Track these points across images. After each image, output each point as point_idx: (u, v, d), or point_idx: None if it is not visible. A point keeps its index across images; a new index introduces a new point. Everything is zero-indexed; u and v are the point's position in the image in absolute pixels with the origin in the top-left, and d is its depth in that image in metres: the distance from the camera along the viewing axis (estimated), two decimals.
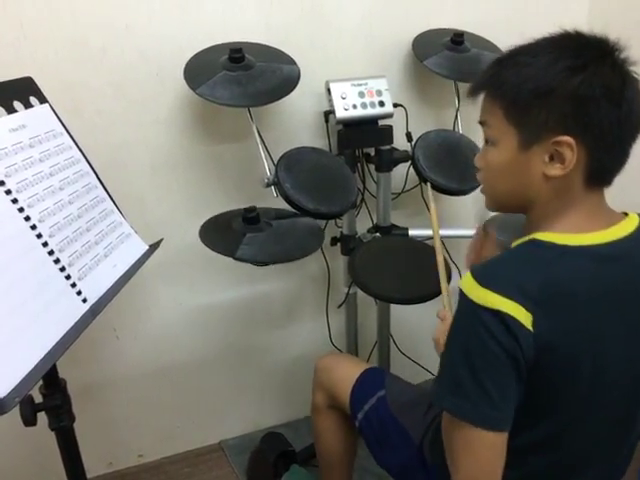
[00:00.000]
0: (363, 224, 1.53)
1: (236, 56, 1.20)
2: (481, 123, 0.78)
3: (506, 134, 0.73)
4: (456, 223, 1.66)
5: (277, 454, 1.44)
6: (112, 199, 1.04)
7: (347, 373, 1.13)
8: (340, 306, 1.55)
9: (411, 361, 1.77)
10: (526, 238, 0.74)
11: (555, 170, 0.70)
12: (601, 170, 0.72)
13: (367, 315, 1.68)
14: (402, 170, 1.50)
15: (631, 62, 0.69)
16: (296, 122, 1.45)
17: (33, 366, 0.71)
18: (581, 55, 0.68)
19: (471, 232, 1.47)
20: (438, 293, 1.17)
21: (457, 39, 1.43)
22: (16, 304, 0.73)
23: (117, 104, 1.30)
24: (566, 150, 0.68)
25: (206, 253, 1.49)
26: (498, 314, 0.67)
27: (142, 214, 1.38)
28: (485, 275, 0.70)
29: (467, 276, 0.72)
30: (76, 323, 0.81)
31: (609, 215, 0.76)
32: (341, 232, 1.47)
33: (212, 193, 1.46)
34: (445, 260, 1.20)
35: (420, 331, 1.81)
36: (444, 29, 1.49)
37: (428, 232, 1.50)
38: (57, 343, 0.76)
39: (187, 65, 1.21)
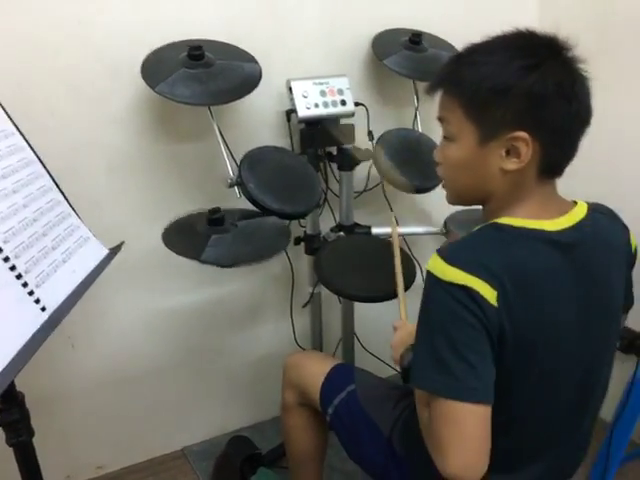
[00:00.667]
0: (326, 223, 1.52)
1: (195, 53, 1.17)
2: (440, 119, 0.80)
3: (465, 130, 0.75)
4: (418, 221, 1.68)
5: (243, 458, 1.42)
6: (68, 202, 1.00)
7: (316, 369, 1.13)
8: (305, 306, 1.54)
9: (375, 358, 1.78)
10: (487, 223, 0.77)
11: (511, 164, 0.73)
12: (553, 163, 0.76)
13: (330, 314, 1.68)
14: (363, 169, 1.51)
15: (580, 60, 0.73)
16: (256, 121, 1.44)
17: None
18: (534, 54, 0.71)
19: (433, 229, 1.50)
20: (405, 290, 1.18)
21: (415, 39, 1.45)
22: None
23: (70, 104, 1.25)
24: (522, 145, 0.72)
25: (166, 256, 1.45)
26: (466, 289, 0.69)
27: (99, 218, 1.31)
28: (452, 254, 0.73)
29: (433, 258, 0.74)
30: (35, 333, 0.77)
31: (560, 204, 0.80)
32: (305, 232, 1.46)
33: (172, 194, 1.42)
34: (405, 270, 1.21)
35: (383, 328, 1.82)
36: (402, 29, 1.50)
37: (389, 230, 1.52)
38: (16, 356, 0.71)
39: (144, 62, 1.18)
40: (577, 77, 0.72)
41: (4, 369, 0.69)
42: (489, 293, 0.69)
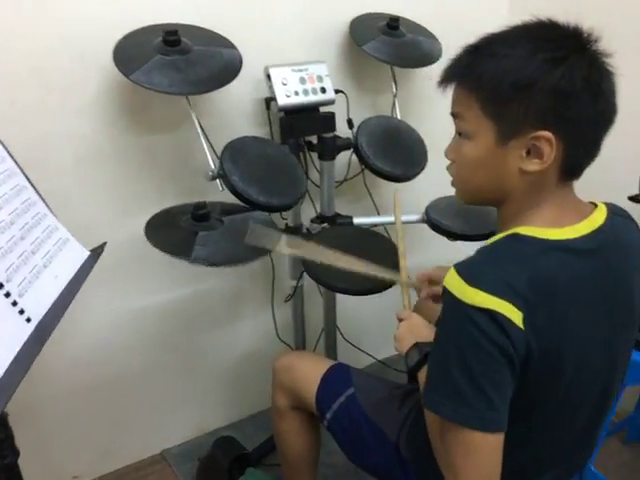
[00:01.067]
0: (306, 214, 1.49)
1: (171, 39, 1.10)
2: (453, 115, 0.76)
3: (483, 128, 0.71)
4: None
5: (231, 459, 1.38)
6: (44, 201, 0.92)
7: (310, 372, 1.09)
8: (288, 300, 1.50)
9: (356, 348, 1.77)
10: (506, 233, 0.73)
11: (532, 165, 0.69)
12: (575, 164, 0.72)
13: (311, 306, 1.64)
14: (343, 158, 1.47)
15: (606, 54, 0.69)
16: (233, 109, 1.37)
17: None
18: (561, 47, 0.67)
19: (414, 218, 1.48)
20: (393, 283, 1.16)
21: (393, 24, 1.42)
22: None
23: (35, 92, 1.16)
24: (545, 145, 0.68)
25: (140, 253, 1.39)
26: (490, 313, 0.65)
27: (67, 214, 1.21)
28: (473, 274, 0.68)
29: (452, 275, 0.70)
30: (22, 348, 0.70)
31: (580, 207, 0.76)
32: (286, 224, 1.42)
33: (144, 188, 1.35)
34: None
35: (362, 318, 1.82)
36: (379, 13, 1.47)
37: (372, 220, 1.50)
38: (4, 376, 0.65)
39: (116, 48, 1.10)
40: (604, 72, 0.68)
41: None
42: (515, 315, 0.65)
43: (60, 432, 1.45)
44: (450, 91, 0.76)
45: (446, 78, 0.75)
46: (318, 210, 1.48)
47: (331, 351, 1.60)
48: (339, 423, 1.02)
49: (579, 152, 0.70)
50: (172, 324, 1.52)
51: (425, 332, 0.88)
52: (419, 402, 0.95)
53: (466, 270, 0.69)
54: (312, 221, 1.45)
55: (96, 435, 1.51)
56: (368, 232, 1.36)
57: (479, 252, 0.74)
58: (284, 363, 1.14)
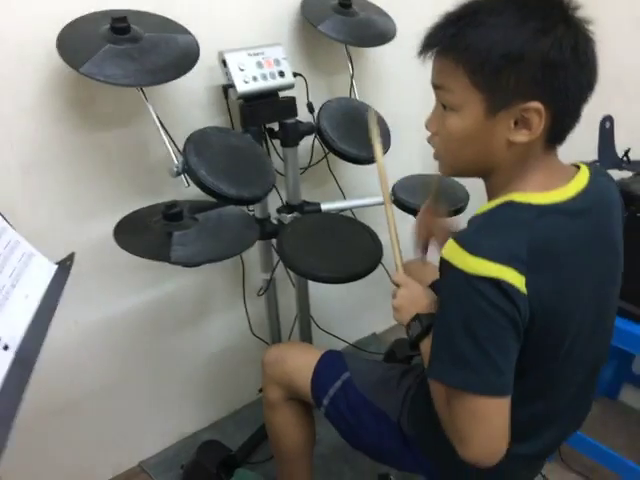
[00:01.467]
0: (272, 203, 1.44)
1: (120, 26, 1.01)
2: (436, 86, 0.74)
3: (471, 100, 0.70)
4: (366, 192, 1.65)
5: (218, 462, 1.33)
6: (0, 214, 0.83)
7: (302, 361, 1.07)
8: (262, 293, 1.45)
9: (330, 335, 1.75)
10: (499, 201, 0.73)
11: (521, 136, 0.70)
12: (561, 131, 0.72)
13: (281, 298, 1.61)
14: (305, 143, 1.43)
15: (588, 21, 0.69)
16: (187, 99, 1.30)
17: None
18: (548, 16, 0.66)
19: (379, 199, 1.47)
20: (374, 268, 1.15)
21: (345, 2, 1.38)
22: None
23: None
24: (534, 116, 0.67)
25: (98, 261, 1.31)
26: (494, 281, 0.66)
27: (15, 224, 1.13)
28: (473, 243, 0.68)
29: (452, 246, 0.70)
30: (6, 378, 0.63)
31: (564, 170, 0.77)
32: (254, 216, 1.36)
33: (99, 189, 1.26)
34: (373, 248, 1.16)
35: (331, 303, 1.80)
36: None
37: (340, 204, 1.47)
38: None
39: (60, 39, 1.00)
40: (588, 40, 0.68)
41: None
42: (518, 280, 0.66)
43: (31, 457, 1.34)
44: (425, 62, 0.74)
45: (427, 48, 0.73)
46: (284, 199, 1.43)
47: (306, 340, 1.58)
48: (337, 408, 1.00)
49: (565, 120, 0.71)
50: (140, 329, 1.44)
51: (425, 302, 0.87)
52: (417, 379, 0.96)
53: (466, 240, 0.69)
54: (279, 211, 1.41)
55: (70, 456, 1.42)
56: (340, 217, 1.33)
57: (474, 222, 0.74)
58: (273, 355, 1.11)
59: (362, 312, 1.93)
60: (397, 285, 0.91)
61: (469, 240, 0.69)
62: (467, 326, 0.67)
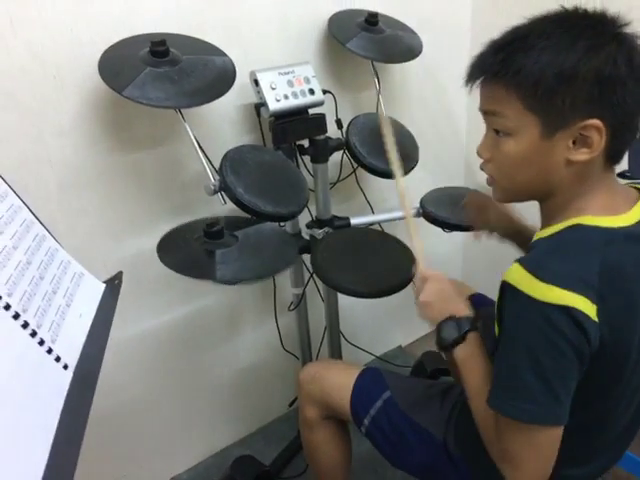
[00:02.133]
0: (301, 219, 1.45)
1: (160, 49, 1.04)
2: (487, 112, 0.74)
3: (526, 123, 0.70)
4: (394, 205, 1.65)
5: (253, 478, 1.33)
6: (50, 233, 0.85)
7: (341, 380, 1.06)
8: (294, 308, 1.46)
9: (357, 349, 1.75)
10: (565, 224, 0.72)
11: (580, 155, 0.69)
12: (620, 149, 0.72)
13: (310, 311, 1.61)
14: (333, 158, 1.44)
15: (638, 36, 0.69)
16: (219, 118, 1.32)
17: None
18: (598, 34, 0.66)
19: (401, 214, 1.47)
20: (407, 283, 1.15)
21: (372, 19, 1.40)
22: (1, 391, 0.55)
23: (8, 116, 1.07)
24: (594, 134, 0.67)
25: (131, 277, 1.31)
26: (566, 310, 0.64)
27: None
28: (543, 269, 0.67)
29: (518, 271, 0.68)
30: (68, 398, 0.64)
31: (625, 192, 0.76)
32: (284, 231, 1.37)
33: (133, 209, 1.28)
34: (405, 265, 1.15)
35: (357, 316, 1.80)
36: (355, 10, 1.45)
37: (369, 219, 1.48)
38: (59, 434, 0.59)
39: (101, 63, 1.03)
40: None
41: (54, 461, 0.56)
42: (590, 309, 0.65)
43: None
44: (473, 90, 0.75)
45: (475, 75, 0.73)
46: (314, 214, 1.44)
47: (336, 354, 1.58)
48: (379, 428, 1.00)
49: (625, 136, 0.70)
50: (172, 346, 1.45)
51: (457, 300, 0.85)
52: (462, 397, 0.95)
53: (534, 265, 0.68)
54: (309, 226, 1.42)
55: (101, 470, 1.42)
56: (372, 232, 1.34)
57: (540, 245, 0.73)
58: (310, 374, 1.11)
59: (388, 324, 1.93)
60: (422, 279, 0.87)
61: (537, 265, 0.67)
62: (533, 356, 0.66)
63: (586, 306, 0.65)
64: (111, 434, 1.41)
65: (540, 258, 0.70)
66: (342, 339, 1.65)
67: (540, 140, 0.70)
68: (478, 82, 0.74)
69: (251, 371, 1.61)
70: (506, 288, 0.70)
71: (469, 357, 0.80)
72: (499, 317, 0.73)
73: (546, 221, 0.77)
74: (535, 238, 0.76)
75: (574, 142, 0.69)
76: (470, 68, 0.74)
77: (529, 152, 0.71)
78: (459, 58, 1.65)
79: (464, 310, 0.83)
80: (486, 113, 0.74)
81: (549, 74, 0.66)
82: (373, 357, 1.87)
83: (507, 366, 0.70)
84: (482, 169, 0.79)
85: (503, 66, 0.69)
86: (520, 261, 0.69)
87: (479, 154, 0.78)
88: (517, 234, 1.03)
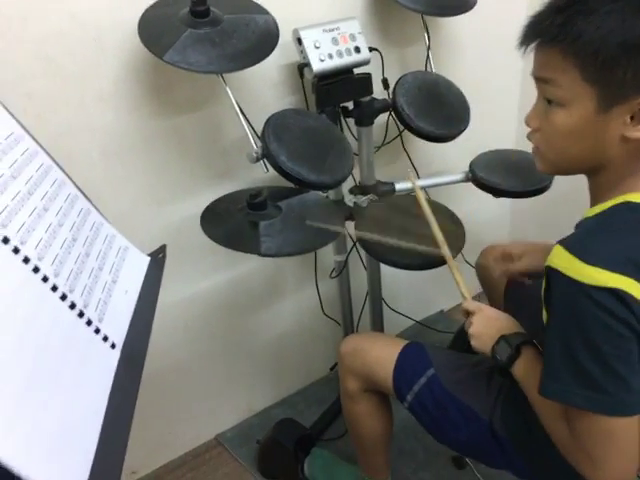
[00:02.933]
0: (344, 184, 1.40)
1: (200, 9, 0.99)
2: (540, 79, 0.69)
3: (581, 94, 0.65)
4: (440, 169, 1.60)
5: (295, 441, 1.36)
6: (95, 207, 0.84)
7: (383, 354, 1.04)
8: (336, 276, 1.44)
9: (399, 314, 1.73)
10: (613, 201, 0.68)
11: (638, 132, 0.64)
12: None
13: (353, 278, 1.59)
14: (378, 120, 1.38)
15: None
16: (260, 78, 1.27)
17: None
18: None
19: (458, 177, 1.41)
20: (457, 252, 1.11)
21: None
22: (53, 374, 0.55)
23: (50, 83, 1.05)
24: None
25: (175, 244, 1.32)
26: (614, 291, 0.61)
27: (101, 211, 1.16)
28: (588, 250, 0.64)
29: (561, 253, 0.65)
30: (116, 379, 0.64)
31: None
32: (327, 197, 1.34)
33: (175, 174, 1.26)
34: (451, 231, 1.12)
35: (398, 281, 1.77)
36: None
37: (416, 183, 1.42)
38: (111, 418, 0.59)
39: (140, 26, 0.99)
40: None
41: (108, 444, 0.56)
42: (637, 290, 0.61)
43: None
44: (528, 52, 0.69)
45: (530, 38, 0.68)
46: (357, 179, 1.40)
47: (377, 321, 1.57)
48: (422, 405, 0.98)
49: None
50: (216, 310, 1.46)
51: (505, 323, 0.84)
52: (506, 381, 0.92)
53: (579, 247, 0.64)
54: (352, 191, 1.38)
55: (150, 429, 1.48)
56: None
57: (585, 225, 0.70)
58: (352, 346, 1.10)
59: (430, 288, 1.89)
60: (468, 313, 0.88)
61: (582, 247, 0.64)
62: (588, 341, 0.63)
63: (635, 289, 0.62)
64: (158, 394, 1.44)
65: (584, 239, 0.67)
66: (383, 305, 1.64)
67: (595, 114, 0.65)
68: (532, 45, 0.68)
69: (292, 335, 1.62)
70: (550, 273, 0.67)
71: (529, 370, 0.77)
72: (546, 302, 0.70)
73: (594, 199, 0.73)
74: (583, 217, 0.72)
75: (632, 118, 0.64)
76: (525, 29, 0.69)
77: (581, 125, 0.66)
78: (515, 11, 1.54)
79: (512, 327, 0.82)
80: (539, 80, 0.69)
81: (612, 42, 0.60)
82: (412, 322, 1.85)
83: (564, 354, 0.67)
84: (529, 138, 0.75)
85: (561, 30, 0.63)
86: (563, 243, 0.66)
87: (527, 123, 0.73)
88: None
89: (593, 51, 0.62)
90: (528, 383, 0.77)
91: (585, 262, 0.63)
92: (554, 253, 0.67)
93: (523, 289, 1.07)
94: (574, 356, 0.65)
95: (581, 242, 0.66)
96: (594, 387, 0.64)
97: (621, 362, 0.63)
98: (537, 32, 0.67)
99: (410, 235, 1.01)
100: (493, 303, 1.19)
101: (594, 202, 0.74)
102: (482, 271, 1.21)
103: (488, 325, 0.85)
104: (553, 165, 0.75)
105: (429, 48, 1.39)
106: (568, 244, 0.66)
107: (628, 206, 0.67)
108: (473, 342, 0.86)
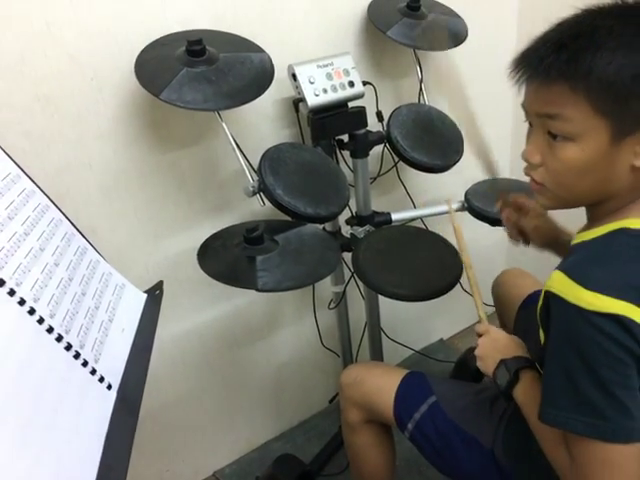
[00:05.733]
0: (341, 215, 1.41)
1: (196, 48, 1.01)
2: (545, 115, 0.68)
3: (594, 127, 0.64)
4: (435, 199, 1.61)
5: (295, 478, 1.33)
6: (91, 244, 0.84)
7: (383, 383, 1.04)
8: (334, 307, 1.44)
9: (393, 342, 1.72)
10: (610, 228, 0.69)
11: None
12: None
13: (350, 308, 1.59)
14: (373, 152, 1.39)
15: None
16: (256, 113, 1.28)
17: None
18: None
19: (454, 206, 1.42)
20: (455, 284, 1.10)
21: (413, 4, 1.33)
22: (48, 420, 0.54)
23: (48, 121, 1.06)
24: None
25: (173, 276, 1.33)
26: (615, 317, 0.61)
27: (96, 246, 1.16)
28: (588, 276, 0.64)
29: (560, 278, 0.65)
30: (112, 422, 0.63)
31: None
32: (324, 228, 1.34)
33: (173, 208, 1.27)
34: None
35: (396, 310, 1.76)
36: None
37: (411, 214, 1.43)
38: (103, 458, 0.58)
39: (138, 65, 1.00)
40: None
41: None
42: (638, 316, 0.61)
43: None
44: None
45: (532, 75, 0.67)
46: (353, 209, 1.40)
47: (377, 352, 1.55)
48: (423, 434, 0.97)
49: None
50: (212, 342, 1.45)
51: (507, 346, 0.84)
52: (508, 408, 0.92)
53: (578, 272, 0.64)
54: (348, 222, 1.39)
55: (147, 467, 1.45)
56: (415, 230, 1.29)
57: (581, 250, 0.70)
58: (352, 376, 1.09)
59: (429, 317, 1.89)
60: (479, 335, 0.89)
61: (582, 272, 0.64)
62: (588, 367, 0.63)
63: (635, 313, 0.61)
64: (154, 430, 1.42)
65: (584, 264, 0.66)
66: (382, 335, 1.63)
67: (608, 146, 0.65)
68: (534, 82, 0.68)
69: (291, 367, 1.61)
70: (550, 297, 0.67)
71: (529, 396, 0.76)
72: (543, 325, 0.70)
73: (591, 222, 0.74)
74: (576, 240, 0.73)
75: None
76: (522, 66, 0.68)
77: (594, 159, 0.66)
78: (505, 43, 1.57)
79: (514, 351, 0.82)
80: (542, 116, 0.68)
81: (625, 76, 0.61)
82: (412, 352, 1.83)
83: (563, 380, 0.66)
84: (527, 174, 0.73)
85: (570, 67, 0.63)
86: (562, 268, 0.66)
87: (526, 159, 0.72)
88: (559, 245, 0.99)
89: (606, 86, 0.62)
90: (528, 408, 0.76)
91: (585, 288, 0.62)
92: (554, 278, 0.67)
93: (534, 312, 1.07)
94: (574, 382, 0.65)
95: (581, 267, 0.66)
96: (594, 413, 0.64)
97: (621, 388, 0.63)
98: (541, 69, 0.66)
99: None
100: (504, 324, 1.19)
101: (590, 225, 0.74)
102: (498, 290, 1.22)
103: (493, 347, 0.85)
104: (560, 201, 0.73)
105: (422, 81, 1.41)
106: (568, 269, 0.66)
107: (627, 232, 0.67)
108: (478, 363, 0.86)
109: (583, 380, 0.64)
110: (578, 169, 0.67)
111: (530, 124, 0.73)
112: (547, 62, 0.65)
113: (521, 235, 1.04)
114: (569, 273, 0.65)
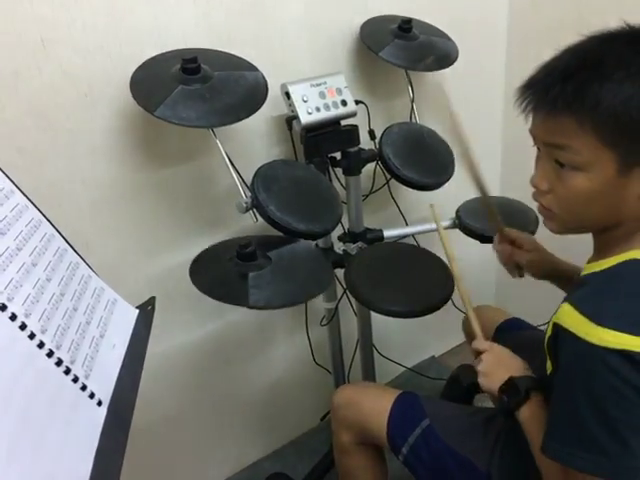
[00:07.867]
0: (333, 231, 1.42)
1: (191, 66, 1.02)
2: (553, 146, 0.68)
3: (601, 158, 0.64)
4: (427, 216, 1.61)
5: None
6: (84, 260, 0.84)
7: (376, 405, 1.03)
8: (327, 324, 1.44)
9: (389, 361, 1.72)
10: (621, 258, 0.68)
11: None
12: None
13: (342, 325, 1.59)
14: (366, 169, 1.41)
15: None
16: (249, 130, 1.30)
17: None
18: None
19: (445, 223, 1.43)
20: (447, 300, 1.11)
21: (405, 26, 1.36)
22: (37, 437, 0.54)
23: (41, 137, 1.06)
24: None
25: (165, 293, 1.32)
26: (625, 354, 0.60)
27: (89, 261, 1.16)
28: (598, 311, 0.63)
29: (570, 313, 0.65)
30: (102, 438, 0.62)
31: None
32: (316, 245, 1.35)
33: (164, 224, 1.27)
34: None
35: (388, 328, 1.76)
36: (388, 16, 1.41)
37: (403, 231, 1.44)
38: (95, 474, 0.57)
39: (133, 82, 1.01)
40: None
41: None
42: None
43: None
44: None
45: (538, 106, 0.67)
46: (346, 226, 1.41)
47: (369, 369, 1.55)
48: (418, 457, 0.96)
49: None
50: (203, 360, 1.44)
51: (515, 364, 0.83)
52: (506, 427, 0.91)
53: (589, 307, 0.64)
54: (341, 239, 1.39)
55: None
56: (407, 247, 1.30)
57: (591, 282, 0.69)
58: (345, 398, 1.08)
59: (421, 334, 1.89)
60: (479, 352, 0.88)
61: (592, 307, 0.64)
62: (596, 404, 0.62)
63: None
64: (143, 448, 1.39)
65: (593, 298, 0.66)
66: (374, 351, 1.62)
67: (616, 176, 0.65)
68: (541, 112, 0.68)
69: (282, 385, 1.60)
70: (560, 331, 0.66)
71: (535, 418, 0.76)
72: (551, 355, 0.70)
73: (599, 253, 0.73)
74: (585, 271, 0.72)
75: None
76: (528, 94, 0.68)
77: (602, 188, 0.66)
78: (494, 65, 1.60)
79: (522, 370, 0.82)
80: (549, 146, 0.69)
81: (633, 107, 0.61)
82: (404, 369, 1.83)
83: (569, 416, 0.66)
84: (536, 199, 0.74)
85: (576, 98, 0.63)
86: (572, 302, 0.65)
87: (534, 185, 0.72)
88: (556, 274, 1.00)
89: (614, 118, 0.61)
90: (533, 435, 0.75)
91: (596, 323, 0.62)
92: (563, 311, 0.66)
93: (510, 338, 1.07)
94: (580, 418, 0.64)
95: (591, 302, 0.65)
96: (598, 451, 0.63)
97: (627, 426, 0.62)
98: (547, 100, 0.65)
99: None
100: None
101: (599, 255, 0.74)
102: (467, 325, 1.21)
103: (499, 364, 0.84)
104: (568, 227, 0.74)
105: (413, 100, 1.43)
106: (578, 303, 0.65)
107: (637, 263, 0.67)
108: (481, 380, 0.84)
109: (590, 417, 0.63)
110: (586, 197, 0.67)
111: (538, 149, 0.73)
112: (553, 93, 0.65)
113: (517, 268, 1.04)
114: (579, 307, 0.64)
